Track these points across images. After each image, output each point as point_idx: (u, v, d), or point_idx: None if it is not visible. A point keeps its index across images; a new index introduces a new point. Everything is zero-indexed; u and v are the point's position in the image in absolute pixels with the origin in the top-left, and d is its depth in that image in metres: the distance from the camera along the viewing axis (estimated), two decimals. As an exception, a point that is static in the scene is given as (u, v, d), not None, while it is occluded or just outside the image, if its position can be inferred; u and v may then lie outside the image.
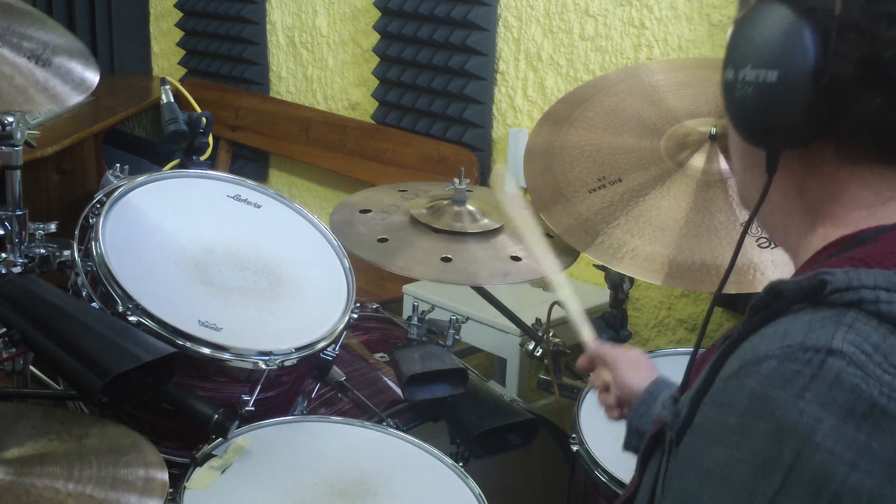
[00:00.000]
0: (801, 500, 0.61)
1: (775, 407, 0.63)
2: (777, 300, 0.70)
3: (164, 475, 1.20)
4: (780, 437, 0.62)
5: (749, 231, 0.87)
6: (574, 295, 1.30)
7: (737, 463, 0.64)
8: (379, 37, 3.09)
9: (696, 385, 0.72)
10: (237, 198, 1.65)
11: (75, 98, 1.51)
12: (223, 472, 1.31)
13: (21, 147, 1.56)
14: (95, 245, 1.41)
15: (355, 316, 1.56)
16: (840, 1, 0.70)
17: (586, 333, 1.27)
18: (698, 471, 0.67)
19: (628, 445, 1.17)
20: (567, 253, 1.68)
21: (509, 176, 1.60)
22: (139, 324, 1.34)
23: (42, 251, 1.53)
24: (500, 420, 1.60)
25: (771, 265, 1.50)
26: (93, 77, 1.56)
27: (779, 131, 0.75)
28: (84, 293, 1.41)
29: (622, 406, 1.22)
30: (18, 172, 1.56)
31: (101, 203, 1.48)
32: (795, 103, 0.72)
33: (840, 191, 0.77)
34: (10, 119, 1.51)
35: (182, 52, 3.93)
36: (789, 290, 0.69)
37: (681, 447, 0.71)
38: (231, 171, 3.68)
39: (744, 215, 1.54)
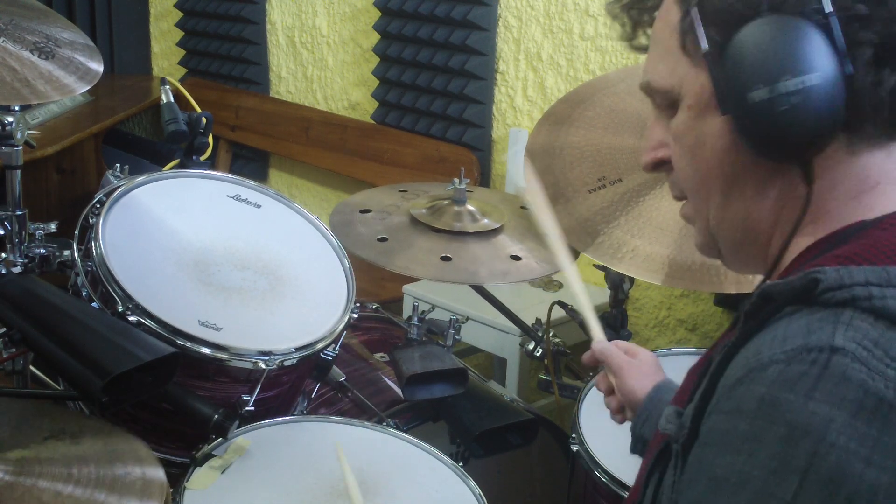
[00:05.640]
0: (819, 501, 0.61)
1: (786, 410, 0.63)
2: (770, 303, 0.70)
3: (161, 475, 1.20)
4: (793, 439, 0.62)
5: None
6: (584, 291, 1.29)
7: (752, 469, 0.64)
8: (379, 37, 3.09)
9: (697, 396, 0.72)
10: (237, 198, 1.65)
11: (81, 88, 1.51)
12: (223, 472, 1.31)
13: (21, 147, 1.56)
14: (95, 245, 1.41)
15: (355, 316, 1.56)
16: None
17: (596, 330, 1.26)
18: (711, 480, 0.66)
19: (634, 449, 1.18)
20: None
21: (528, 166, 1.56)
22: (139, 324, 1.34)
23: (42, 251, 1.53)
24: (500, 420, 1.60)
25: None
26: (97, 67, 1.56)
27: (826, 131, 0.74)
28: (84, 293, 1.41)
29: (625, 410, 1.22)
30: (18, 172, 1.57)
31: (101, 203, 1.48)
32: (835, 102, 0.72)
33: (837, 184, 0.77)
34: (10, 119, 1.51)
35: (182, 52, 3.93)
36: (781, 292, 0.69)
37: (689, 459, 0.70)
38: (231, 171, 3.69)
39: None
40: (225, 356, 1.38)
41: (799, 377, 0.63)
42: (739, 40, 0.75)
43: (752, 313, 0.71)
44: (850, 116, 0.74)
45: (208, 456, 1.33)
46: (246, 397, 1.40)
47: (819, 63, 0.72)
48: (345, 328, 1.53)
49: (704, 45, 0.77)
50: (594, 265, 1.68)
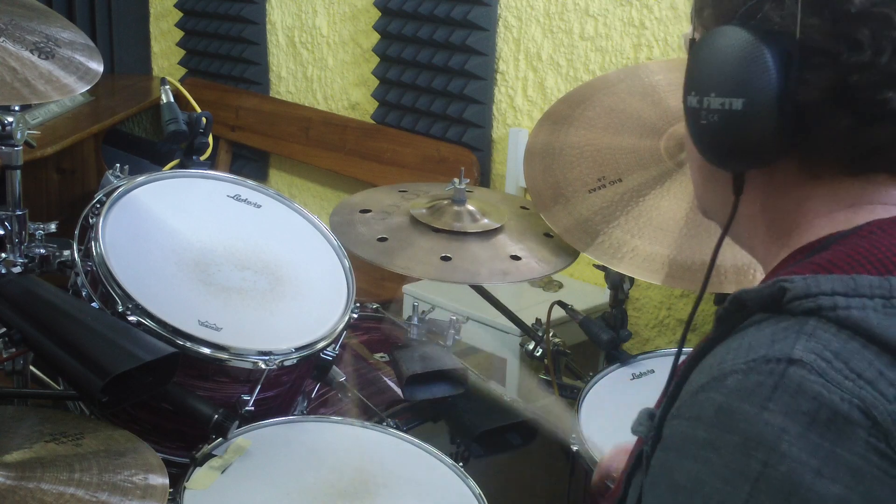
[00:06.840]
0: None
1: (741, 419, 0.63)
2: (741, 309, 0.70)
3: (164, 477, 1.20)
4: (746, 448, 0.63)
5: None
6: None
7: (707, 477, 0.64)
8: (379, 37, 3.09)
9: (664, 399, 0.73)
10: (237, 198, 1.65)
11: (81, 88, 1.51)
12: (223, 472, 1.31)
13: (21, 147, 1.56)
14: (95, 245, 1.41)
15: (355, 316, 1.56)
16: (800, 24, 0.70)
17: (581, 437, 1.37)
18: (670, 485, 0.67)
19: None
20: (567, 253, 1.68)
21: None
22: (139, 324, 1.34)
23: (42, 251, 1.53)
24: (500, 420, 1.60)
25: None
26: (97, 67, 1.56)
27: (745, 155, 0.76)
28: (84, 293, 1.41)
29: None
30: (18, 172, 1.56)
31: (101, 203, 1.48)
32: (762, 129, 0.72)
33: (802, 203, 0.77)
34: (10, 119, 1.51)
35: (182, 52, 3.93)
36: (751, 299, 0.69)
37: (652, 462, 0.71)
38: (231, 171, 3.68)
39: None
40: (225, 356, 1.38)
41: (755, 388, 0.64)
42: (703, 40, 0.76)
43: (724, 318, 0.71)
44: (802, 146, 0.74)
45: (208, 456, 1.33)
46: (246, 397, 1.40)
47: (752, 91, 0.71)
48: (345, 328, 1.53)
49: (691, 31, 0.79)
50: (594, 265, 1.68)
